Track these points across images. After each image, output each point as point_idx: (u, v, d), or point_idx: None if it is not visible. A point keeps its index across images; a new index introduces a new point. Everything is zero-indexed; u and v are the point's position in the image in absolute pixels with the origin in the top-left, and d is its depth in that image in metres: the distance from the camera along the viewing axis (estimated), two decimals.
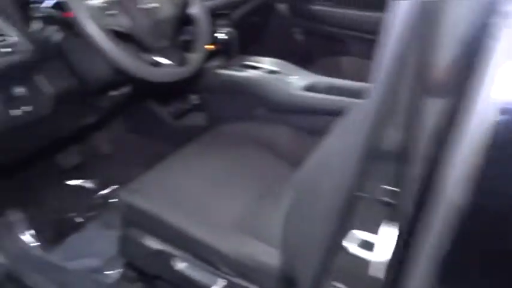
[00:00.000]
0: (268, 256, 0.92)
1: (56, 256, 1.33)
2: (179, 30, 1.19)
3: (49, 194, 1.53)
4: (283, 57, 1.54)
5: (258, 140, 1.29)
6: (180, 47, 1.18)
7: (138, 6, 1.06)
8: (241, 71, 1.44)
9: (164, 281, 1.10)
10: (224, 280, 0.96)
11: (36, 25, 1.06)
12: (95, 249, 1.40)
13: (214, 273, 0.96)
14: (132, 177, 1.70)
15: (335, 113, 1.29)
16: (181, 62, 1.13)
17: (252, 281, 0.93)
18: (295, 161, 1.23)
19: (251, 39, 1.71)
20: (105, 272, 1.28)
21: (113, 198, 1.62)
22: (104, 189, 1.64)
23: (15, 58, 1.00)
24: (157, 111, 1.62)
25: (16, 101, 1.03)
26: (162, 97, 1.62)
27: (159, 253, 1.03)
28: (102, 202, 1.61)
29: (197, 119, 1.66)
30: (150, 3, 1.08)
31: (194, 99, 1.71)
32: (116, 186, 1.66)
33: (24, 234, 1.34)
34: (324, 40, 1.97)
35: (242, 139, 1.29)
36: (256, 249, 0.93)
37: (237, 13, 1.64)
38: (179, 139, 1.63)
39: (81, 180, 1.62)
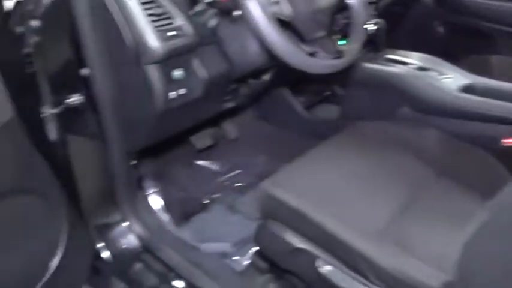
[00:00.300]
0: (426, 275, 0.84)
1: (186, 234, 1.37)
2: (334, 20, 1.14)
3: (181, 173, 1.58)
4: (421, 51, 1.41)
5: (403, 142, 1.19)
6: (335, 38, 1.12)
7: None
8: (388, 65, 1.34)
9: (298, 278, 1.08)
10: None
11: (198, 8, 1.06)
12: (220, 232, 1.42)
13: (363, 283, 0.90)
14: (257, 163, 1.73)
15: (496, 119, 1.18)
16: (336, 54, 1.07)
17: None
18: (442, 169, 1.13)
19: (392, 30, 1.60)
20: (233, 258, 1.29)
21: (237, 183, 1.64)
22: (229, 173, 1.66)
23: (180, 42, 1.01)
24: (290, 100, 1.59)
25: (174, 84, 1.05)
26: (296, 86, 1.59)
27: (301, 251, 0.99)
28: (227, 185, 1.63)
29: (328, 111, 1.60)
30: None
31: (326, 90, 1.65)
32: (239, 171, 1.67)
33: (160, 209, 1.39)
34: (469, 35, 1.79)
35: (385, 139, 1.21)
36: (414, 266, 0.86)
37: (384, 2, 1.54)
38: (308, 130, 1.60)
39: (209, 162, 1.66)
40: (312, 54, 1.04)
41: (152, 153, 1.40)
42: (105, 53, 1.02)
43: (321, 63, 1.05)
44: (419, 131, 1.22)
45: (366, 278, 0.90)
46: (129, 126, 1.12)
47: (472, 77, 1.28)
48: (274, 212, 1.06)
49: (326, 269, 0.94)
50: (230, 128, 1.68)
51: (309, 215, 0.97)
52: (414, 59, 1.36)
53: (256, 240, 1.15)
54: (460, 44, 1.82)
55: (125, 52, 0.99)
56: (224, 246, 1.33)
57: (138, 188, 1.34)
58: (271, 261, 1.13)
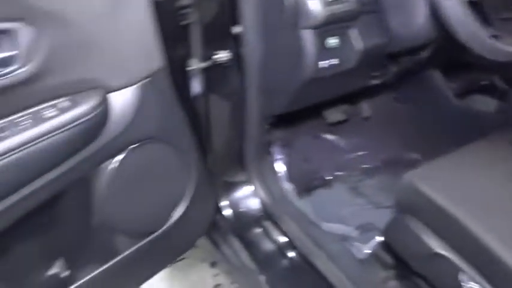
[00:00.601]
0: None
1: (308, 208, 1.32)
2: None
3: (308, 144, 1.52)
4: None
5: None
6: None
7: None
8: None
9: (429, 285, 0.98)
10: None
11: None
12: (342, 213, 1.35)
13: None
14: (387, 147, 1.60)
15: None
16: None
17: None
18: None
19: None
20: (354, 243, 1.22)
21: (363, 164, 1.54)
22: (356, 152, 1.57)
23: (343, 7, 0.92)
24: (440, 84, 1.42)
25: (327, 53, 0.98)
26: (449, 70, 1.41)
27: (441, 258, 0.89)
28: (352, 165, 1.55)
29: (483, 103, 1.40)
30: None
31: (484, 80, 1.44)
32: (367, 152, 1.57)
33: (284, 177, 1.36)
34: None
35: None
36: None
37: None
38: (456, 121, 1.43)
39: (337, 137, 1.58)
40: (495, 37, 0.88)
41: (284, 120, 1.36)
42: (260, 12, 0.97)
43: (505, 50, 0.89)
44: None
45: None
46: (272, 90, 1.07)
47: None
48: (416, 208, 0.95)
49: (471, 286, 0.83)
50: (365, 106, 1.57)
51: (460, 219, 0.85)
52: None
53: (387, 233, 1.06)
54: None
55: (282, 13, 0.93)
56: (346, 230, 1.27)
57: (266, 153, 1.32)
58: (399, 258, 1.04)
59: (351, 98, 1.53)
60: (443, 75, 1.43)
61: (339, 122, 1.56)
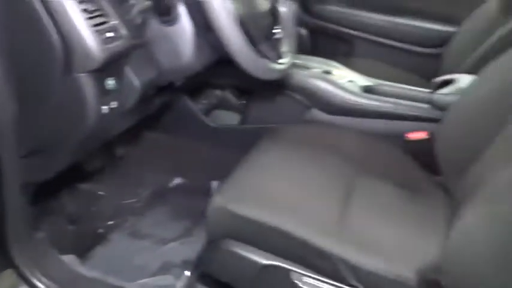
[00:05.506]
0: (398, 267, 0.89)
1: (98, 274, 1.14)
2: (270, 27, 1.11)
3: (71, 202, 1.32)
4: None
5: (325, 142, 1.24)
6: (273, 43, 1.09)
7: None
8: (294, 70, 1.37)
9: None
10: None
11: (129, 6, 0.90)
12: (137, 265, 1.24)
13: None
14: (151, 181, 1.54)
15: (399, 117, 1.32)
16: (278, 59, 1.04)
17: None
18: (362, 165, 1.22)
19: None
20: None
21: (133, 204, 1.45)
22: (122, 196, 1.46)
23: (118, 45, 0.83)
24: (190, 107, 1.48)
25: (107, 96, 0.87)
26: (193, 92, 1.49)
27: (271, 268, 0.93)
28: (120, 209, 1.43)
29: (224, 118, 1.55)
30: None
31: (219, 95, 1.60)
32: (134, 191, 1.48)
33: (54, 254, 1.13)
34: (332, 39, 1.97)
35: (309, 141, 1.23)
36: (384, 260, 0.89)
37: None
38: (212, 137, 1.51)
39: (100, 185, 1.42)
40: (264, 57, 0.99)
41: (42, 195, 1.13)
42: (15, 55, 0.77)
43: (269, 68, 1.01)
44: (338, 132, 1.28)
45: (344, 281, 0.90)
46: (39, 150, 0.87)
47: (369, 79, 1.41)
48: (233, 230, 0.97)
49: (306, 281, 0.91)
50: (119, 145, 1.48)
51: (273, 225, 0.92)
52: (317, 63, 1.42)
53: (203, 263, 1.04)
54: (323, 47, 1.99)
55: (50, 57, 0.77)
56: (151, 280, 1.16)
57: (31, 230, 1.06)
58: (223, 284, 1.04)
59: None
60: (190, 99, 1.50)
61: (98, 169, 1.42)
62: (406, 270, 0.88)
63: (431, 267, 0.85)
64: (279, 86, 1.37)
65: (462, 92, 1.14)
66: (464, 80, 1.20)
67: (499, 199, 0.74)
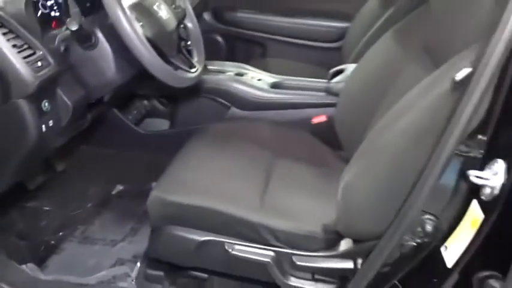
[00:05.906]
0: (312, 224, 1.09)
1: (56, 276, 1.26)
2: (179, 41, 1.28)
3: (16, 219, 1.41)
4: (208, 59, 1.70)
5: (245, 135, 1.43)
6: (183, 55, 1.26)
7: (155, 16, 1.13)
8: (208, 75, 1.55)
9: (200, 271, 1.18)
10: (273, 253, 1.09)
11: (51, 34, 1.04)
12: (90, 265, 1.36)
13: (265, 249, 1.08)
14: (100, 192, 1.65)
15: (304, 105, 1.53)
16: (190, 68, 1.22)
17: (299, 248, 1.09)
18: (278, 150, 1.42)
19: None
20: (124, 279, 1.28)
21: (80, 215, 1.57)
22: (67, 208, 1.57)
23: (48, 71, 0.97)
24: (119, 119, 1.62)
25: (45, 116, 1.00)
26: (121, 104, 1.63)
27: (207, 243, 1.10)
28: (67, 220, 1.54)
29: (156, 124, 1.70)
30: (165, 15, 1.15)
31: (147, 104, 1.75)
32: (77, 203, 1.60)
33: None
34: (245, 44, 2.17)
35: (233, 136, 1.41)
36: (300, 221, 1.09)
37: None
38: (142, 145, 1.65)
39: (44, 201, 1.53)
40: (177, 69, 1.16)
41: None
42: None
43: (186, 77, 1.18)
44: (254, 125, 1.48)
45: (269, 244, 1.09)
46: None
47: (276, 76, 1.62)
48: (171, 216, 1.13)
49: (237, 248, 1.09)
50: (59, 162, 1.59)
51: (206, 207, 1.08)
52: (229, 67, 1.62)
53: (152, 251, 1.19)
54: (237, 51, 2.19)
55: None
56: (105, 275, 1.30)
57: None
58: (171, 265, 1.19)
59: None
60: (121, 111, 1.63)
61: (41, 185, 1.52)
62: (315, 227, 1.08)
63: (332, 222, 1.06)
64: (200, 90, 1.55)
65: (347, 78, 1.38)
66: (350, 68, 1.44)
67: (366, 157, 0.97)
